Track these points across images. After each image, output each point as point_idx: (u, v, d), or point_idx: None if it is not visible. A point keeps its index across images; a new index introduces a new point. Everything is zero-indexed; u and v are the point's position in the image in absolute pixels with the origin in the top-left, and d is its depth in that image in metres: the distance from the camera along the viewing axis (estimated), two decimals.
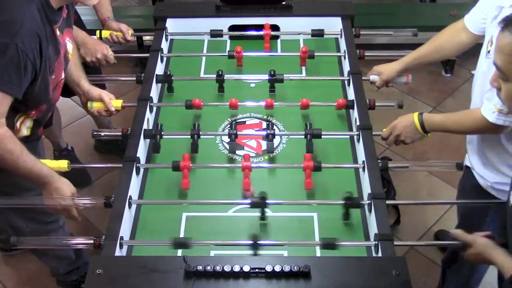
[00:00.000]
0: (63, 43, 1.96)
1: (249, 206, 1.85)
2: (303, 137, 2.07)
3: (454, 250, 1.72)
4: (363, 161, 1.98)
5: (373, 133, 2.07)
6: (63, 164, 1.99)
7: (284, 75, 2.31)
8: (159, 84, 2.37)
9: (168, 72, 2.34)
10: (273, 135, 2.10)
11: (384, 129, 2.09)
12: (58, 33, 1.90)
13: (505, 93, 1.38)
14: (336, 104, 2.21)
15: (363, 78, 2.31)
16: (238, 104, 2.21)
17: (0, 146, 1.76)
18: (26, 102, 1.87)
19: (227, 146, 2.14)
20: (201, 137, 2.08)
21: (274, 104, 2.22)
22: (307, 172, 1.94)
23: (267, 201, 1.82)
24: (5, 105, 1.74)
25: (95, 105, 2.20)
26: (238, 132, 2.11)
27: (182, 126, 2.21)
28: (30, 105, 1.92)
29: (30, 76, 1.77)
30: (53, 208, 1.93)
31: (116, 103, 2.20)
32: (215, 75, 2.32)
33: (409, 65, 2.25)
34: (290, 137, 2.18)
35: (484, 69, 1.82)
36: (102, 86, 2.47)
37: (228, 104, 2.22)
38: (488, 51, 1.79)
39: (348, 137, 2.17)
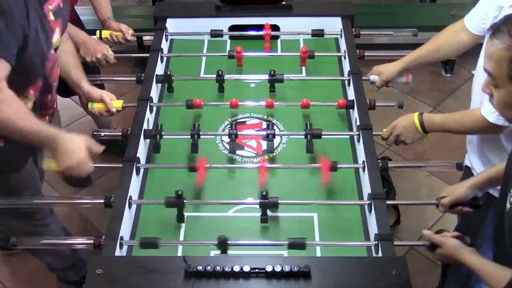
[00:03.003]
0: (52, 27, 1.90)
1: (258, 206, 1.83)
2: (303, 137, 2.07)
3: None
4: (363, 161, 1.98)
5: (373, 133, 2.07)
6: (117, 104, 2.16)
7: (284, 75, 2.31)
8: (159, 84, 2.37)
9: (168, 72, 2.34)
10: (273, 135, 2.10)
11: (384, 129, 2.09)
12: (52, 18, 1.86)
13: (497, 99, 1.39)
14: (336, 104, 2.21)
15: (363, 78, 2.31)
16: (239, 104, 2.21)
17: (3, 109, 1.72)
18: (22, 74, 1.82)
19: (227, 146, 2.14)
20: (201, 137, 2.08)
21: (275, 104, 2.22)
22: (324, 172, 1.95)
23: (278, 201, 1.81)
24: (1, 70, 1.70)
25: (96, 106, 2.20)
26: (238, 132, 2.11)
27: (182, 126, 2.21)
28: (26, 78, 1.87)
29: (21, 38, 1.72)
30: (69, 167, 1.85)
31: (116, 103, 2.19)
32: (215, 75, 2.32)
33: (409, 65, 2.25)
34: (290, 137, 2.18)
35: None
36: (100, 86, 2.46)
37: (228, 104, 2.22)
38: None
39: (348, 137, 2.17)
